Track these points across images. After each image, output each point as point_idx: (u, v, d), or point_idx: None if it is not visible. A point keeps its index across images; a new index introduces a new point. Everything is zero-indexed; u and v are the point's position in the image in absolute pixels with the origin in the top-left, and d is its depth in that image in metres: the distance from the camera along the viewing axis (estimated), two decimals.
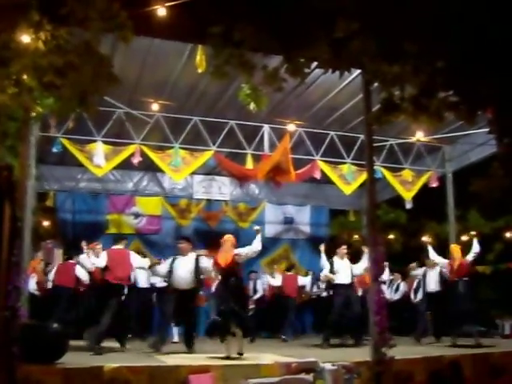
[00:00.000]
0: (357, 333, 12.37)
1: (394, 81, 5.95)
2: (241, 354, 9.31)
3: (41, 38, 5.66)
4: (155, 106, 12.77)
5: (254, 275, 16.50)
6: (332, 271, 12.38)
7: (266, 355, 9.33)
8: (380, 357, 7.94)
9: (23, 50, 5.72)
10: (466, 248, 12.79)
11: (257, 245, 10.32)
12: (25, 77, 6.01)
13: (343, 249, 12.79)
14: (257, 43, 5.97)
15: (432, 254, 12.69)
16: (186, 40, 9.31)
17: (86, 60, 5.62)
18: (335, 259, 12.60)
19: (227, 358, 9.13)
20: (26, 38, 5.70)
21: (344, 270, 12.43)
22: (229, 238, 10.20)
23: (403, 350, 9.52)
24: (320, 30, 5.87)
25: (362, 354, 8.89)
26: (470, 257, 12.26)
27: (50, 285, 13.87)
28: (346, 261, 12.64)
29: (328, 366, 7.57)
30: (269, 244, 17.87)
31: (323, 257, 12.71)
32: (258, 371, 7.74)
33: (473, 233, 12.52)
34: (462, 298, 11.82)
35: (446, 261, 12.31)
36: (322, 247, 12.90)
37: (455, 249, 12.42)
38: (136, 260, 11.15)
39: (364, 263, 11.92)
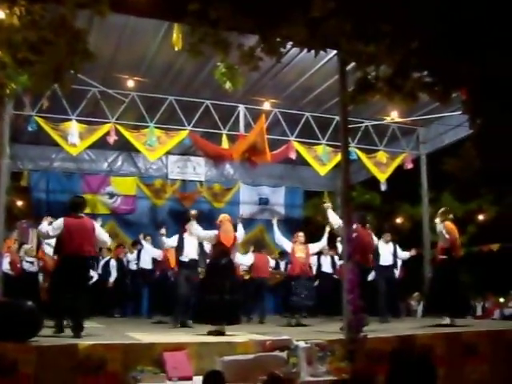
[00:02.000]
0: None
1: (369, 60, 5.98)
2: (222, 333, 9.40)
3: (15, 14, 5.60)
4: (130, 83, 12.72)
5: None
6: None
7: (241, 333, 9.40)
8: (353, 335, 8.03)
9: None
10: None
11: (241, 232, 10.75)
12: None
13: (387, 236, 13.94)
14: (232, 22, 5.95)
15: (439, 227, 12.04)
16: (162, 18, 9.22)
17: (60, 35, 5.57)
18: (380, 243, 13.45)
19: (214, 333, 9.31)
20: (0, 14, 5.65)
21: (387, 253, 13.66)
22: (226, 218, 10.29)
23: (377, 329, 9.66)
24: (296, 9, 5.87)
25: (335, 332, 9.02)
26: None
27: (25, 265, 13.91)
28: (390, 245, 13.80)
29: (302, 343, 7.66)
30: (243, 225, 17.89)
31: (276, 231, 12.94)
32: (232, 349, 7.79)
33: (450, 216, 12.27)
34: (459, 276, 11.71)
35: (448, 236, 11.53)
36: (275, 221, 13.14)
37: (452, 227, 11.71)
38: None
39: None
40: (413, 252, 14.28)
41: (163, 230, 12.71)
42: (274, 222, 13.05)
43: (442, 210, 11.98)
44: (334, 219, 11.36)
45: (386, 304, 13.20)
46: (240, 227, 10.71)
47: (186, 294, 11.49)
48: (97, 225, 9.58)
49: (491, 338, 9.74)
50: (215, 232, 10.11)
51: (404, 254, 14.17)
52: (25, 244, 14.98)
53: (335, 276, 15.82)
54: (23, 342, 7.27)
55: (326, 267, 15.49)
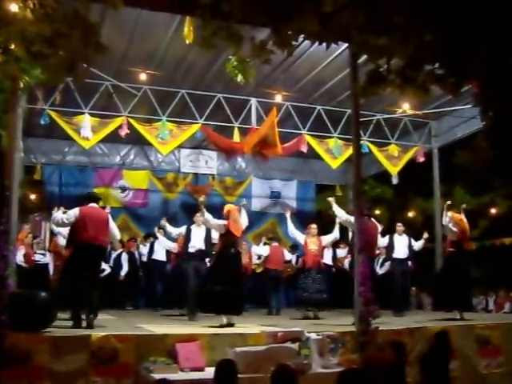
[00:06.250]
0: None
1: (381, 52, 5.98)
2: (231, 324, 9.39)
3: (29, 7, 5.63)
4: (143, 77, 12.75)
5: None
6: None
7: (253, 325, 9.43)
8: (364, 327, 8.06)
9: (11, 18, 5.69)
10: None
11: (245, 220, 10.50)
12: (12, 46, 6.00)
13: (399, 226, 13.87)
14: (244, 15, 5.97)
15: (445, 220, 11.93)
16: (174, 11, 9.26)
17: (74, 28, 5.60)
18: (395, 236, 13.66)
19: (220, 326, 9.24)
20: (13, 7, 5.68)
21: (402, 246, 13.69)
22: (234, 207, 10.24)
23: (387, 322, 9.68)
24: (308, 2, 5.87)
25: (346, 324, 9.06)
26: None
27: (37, 257, 13.99)
28: (405, 237, 13.73)
29: (313, 335, 7.70)
30: (255, 218, 17.91)
31: (290, 224, 12.99)
32: (244, 340, 7.85)
33: (463, 206, 12.16)
34: (466, 270, 11.66)
35: (455, 229, 11.63)
36: (288, 214, 13.20)
37: (461, 217, 11.74)
38: None
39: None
40: (425, 235, 14.14)
41: (163, 220, 13.08)
42: (288, 215, 13.08)
43: (448, 203, 12.06)
44: (339, 212, 11.46)
45: (400, 297, 13.27)
46: (244, 214, 10.60)
47: (195, 285, 11.50)
48: (110, 217, 9.64)
49: (504, 330, 9.77)
50: (224, 222, 10.12)
51: (418, 244, 14.02)
52: (38, 237, 15.06)
53: (334, 269, 15.86)
54: (37, 332, 7.35)
55: (327, 259, 15.36)
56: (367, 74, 6.29)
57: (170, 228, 12.94)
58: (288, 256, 15.95)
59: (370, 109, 13.94)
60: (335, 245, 15.21)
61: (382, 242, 13.41)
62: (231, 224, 9.92)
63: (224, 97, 14.01)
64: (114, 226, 9.70)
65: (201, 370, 7.23)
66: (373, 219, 11.80)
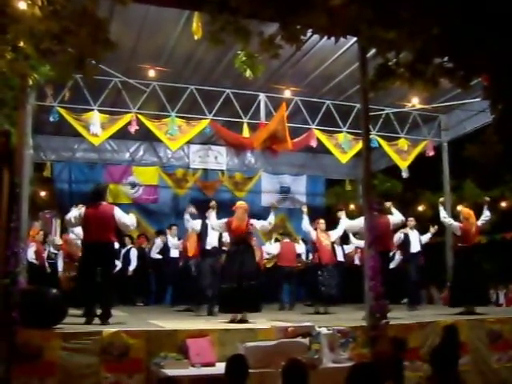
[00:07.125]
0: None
1: (390, 46, 5.96)
2: (244, 320, 9.39)
3: (37, 4, 5.64)
4: (151, 73, 12.74)
5: None
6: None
7: (263, 320, 9.43)
8: (375, 322, 8.05)
9: (19, 15, 5.70)
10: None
11: (270, 220, 10.52)
12: (21, 43, 6.02)
13: (411, 221, 13.81)
14: (252, 10, 5.96)
15: (443, 215, 12.10)
16: (181, 7, 9.28)
17: (82, 25, 5.61)
18: (408, 230, 13.71)
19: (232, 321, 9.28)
20: (22, 4, 5.69)
21: (414, 240, 13.80)
22: (242, 205, 10.16)
23: (399, 316, 9.66)
24: None
25: (357, 319, 9.05)
26: (479, 222, 11.73)
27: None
28: (415, 231, 13.84)
29: (324, 330, 7.69)
30: (265, 214, 17.82)
31: (306, 219, 12.89)
32: (254, 335, 7.85)
33: (486, 198, 12.13)
34: (478, 264, 11.55)
35: (458, 224, 11.73)
36: (305, 209, 13.10)
37: (470, 212, 11.75)
38: None
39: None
40: (432, 230, 14.11)
41: (192, 209, 12.27)
42: (305, 209, 13.03)
43: (441, 199, 12.53)
44: (346, 222, 12.00)
45: (413, 291, 13.30)
46: (270, 217, 10.58)
47: (211, 282, 11.49)
48: (117, 210, 9.59)
49: None
50: (223, 220, 10.14)
51: (425, 237, 14.05)
52: (49, 234, 15.07)
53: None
54: (48, 328, 7.38)
55: (339, 256, 15.22)
56: (376, 68, 6.28)
57: (189, 218, 12.30)
58: (299, 249, 15.82)
59: (379, 103, 13.92)
60: (344, 241, 15.15)
61: (397, 238, 13.41)
62: (234, 221, 9.90)
63: (233, 92, 14.00)
64: (124, 217, 9.60)
65: (212, 365, 7.24)
66: (393, 212, 11.73)
